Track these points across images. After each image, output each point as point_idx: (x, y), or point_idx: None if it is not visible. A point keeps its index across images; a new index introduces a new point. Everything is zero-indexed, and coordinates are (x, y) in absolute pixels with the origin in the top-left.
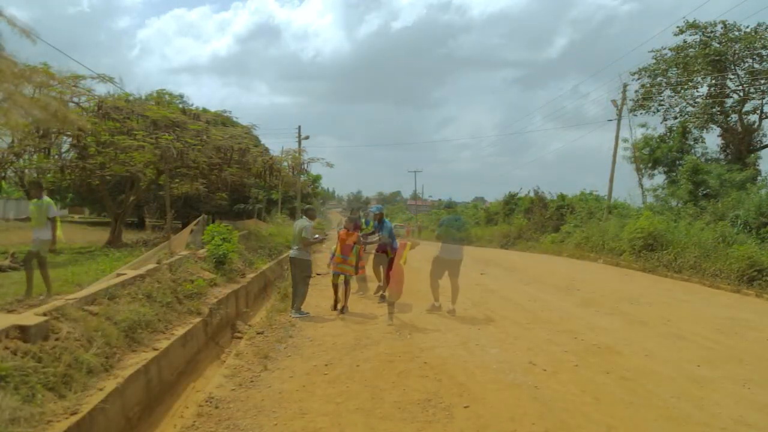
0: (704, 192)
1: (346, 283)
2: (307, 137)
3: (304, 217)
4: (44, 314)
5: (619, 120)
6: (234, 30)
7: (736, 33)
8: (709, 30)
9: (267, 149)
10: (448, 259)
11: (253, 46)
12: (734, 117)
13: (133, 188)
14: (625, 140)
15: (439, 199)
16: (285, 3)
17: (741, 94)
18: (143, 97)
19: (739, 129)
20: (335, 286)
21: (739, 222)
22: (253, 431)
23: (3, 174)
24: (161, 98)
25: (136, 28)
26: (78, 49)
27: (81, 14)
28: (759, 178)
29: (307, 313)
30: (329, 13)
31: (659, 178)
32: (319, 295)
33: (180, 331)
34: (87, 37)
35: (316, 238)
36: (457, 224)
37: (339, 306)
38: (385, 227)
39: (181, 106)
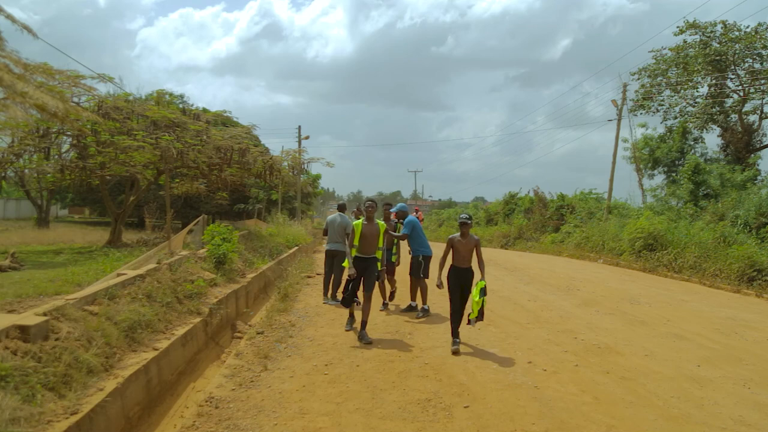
0: (705, 192)
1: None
2: (307, 137)
3: (339, 213)
4: (44, 314)
5: (619, 120)
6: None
7: (736, 33)
8: (708, 30)
9: (267, 149)
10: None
11: (256, 45)
12: (734, 117)
13: (133, 188)
14: (625, 140)
15: (440, 199)
16: (291, 2)
17: (741, 94)
18: (143, 97)
19: (739, 129)
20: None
21: (739, 222)
22: (253, 431)
23: (3, 174)
24: (161, 98)
25: (142, 27)
26: (84, 49)
27: (94, 14)
28: (759, 178)
29: (338, 300)
30: (337, 12)
31: (659, 178)
32: (318, 294)
33: (180, 331)
34: (97, 37)
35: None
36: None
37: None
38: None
39: (181, 106)
